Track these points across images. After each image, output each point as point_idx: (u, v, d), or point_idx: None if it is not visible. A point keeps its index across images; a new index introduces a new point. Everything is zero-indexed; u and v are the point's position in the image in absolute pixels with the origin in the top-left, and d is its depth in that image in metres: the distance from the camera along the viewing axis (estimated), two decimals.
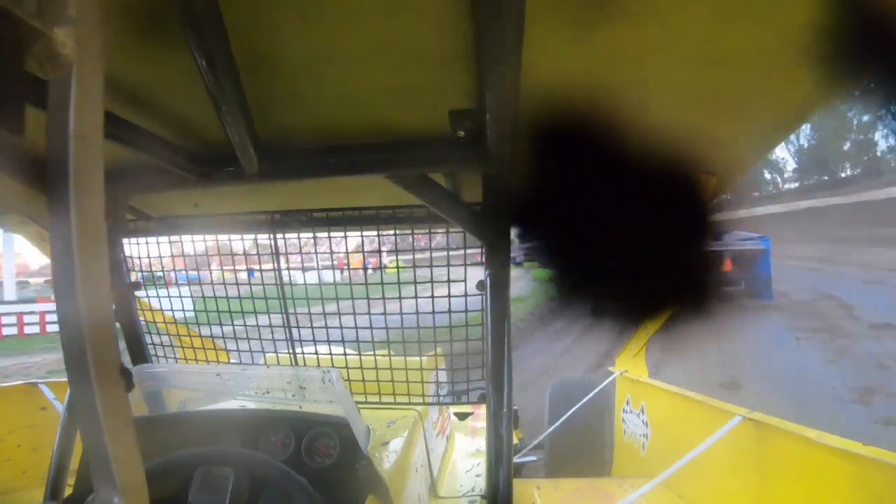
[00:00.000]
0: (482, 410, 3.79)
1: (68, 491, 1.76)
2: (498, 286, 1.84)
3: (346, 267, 2.91)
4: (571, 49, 1.18)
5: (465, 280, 2.39)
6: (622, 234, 1.31)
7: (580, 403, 4.41)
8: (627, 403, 4.20)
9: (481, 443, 3.65)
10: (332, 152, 1.66)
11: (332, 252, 2.47)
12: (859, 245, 24.27)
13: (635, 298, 1.45)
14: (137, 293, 2.55)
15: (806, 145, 48.13)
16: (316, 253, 2.48)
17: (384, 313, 2.48)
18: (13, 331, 17.24)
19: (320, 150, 1.66)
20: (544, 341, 12.80)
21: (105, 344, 0.64)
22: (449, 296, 2.38)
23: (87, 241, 0.62)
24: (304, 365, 2.64)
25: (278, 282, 2.64)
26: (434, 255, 2.43)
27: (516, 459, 4.53)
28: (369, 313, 2.48)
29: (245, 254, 2.61)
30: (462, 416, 4.55)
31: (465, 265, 2.35)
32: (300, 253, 2.55)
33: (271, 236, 2.48)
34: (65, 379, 0.65)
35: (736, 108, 1.46)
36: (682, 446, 2.90)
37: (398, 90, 1.39)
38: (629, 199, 1.30)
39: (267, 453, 1.81)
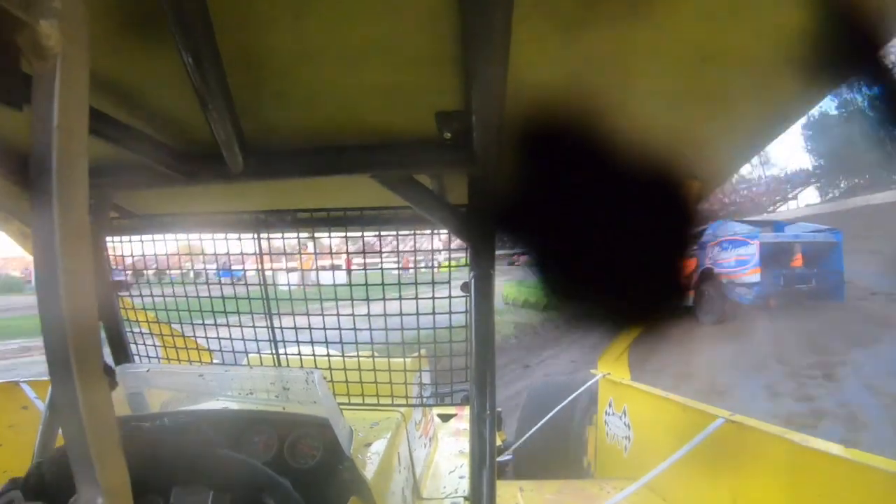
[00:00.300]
0: (466, 412, 3.80)
1: None
2: (482, 288, 1.84)
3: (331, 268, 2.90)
4: (558, 51, 1.18)
5: (448, 282, 2.39)
6: (607, 236, 1.32)
7: (559, 406, 4.43)
8: (610, 405, 4.22)
9: (464, 444, 3.66)
10: (317, 152, 1.66)
11: (316, 252, 2.46)
12: None
13: (616, 302, 1.46)
14: (120, 292, 2.53)
15: None
16: (300, 253, 2.48)
17: (368, 315, 2.47)
18: None
19: (306, 150, 1.66)
20: None
21: (88, 342, 0.64)
22: (433, 297, 2.38)
23: (70, 238, 0.61)
24: (288, 366, 2.64)
25: (262, 282, 2.63)
26: (419, 256, 2.43)
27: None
28: (353, 315, 2.47)
29: (228, 253, 2.59)
30: (445, 418, 4.56)
31: (450, 267, 2.35)
32: (284, 253, 2.54)
33: (255, 236, 2.47)
34: (47, 378, 0.64)
35: (721, 111, 1.47)
36: (665, 448, 2.92)
37: (385, 91, 1.38)
38: (614, 202, 1.30)
39: (249, 454, 1.80)
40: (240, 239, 2.52)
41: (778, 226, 14.82)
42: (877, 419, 7.10)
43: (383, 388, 2.59)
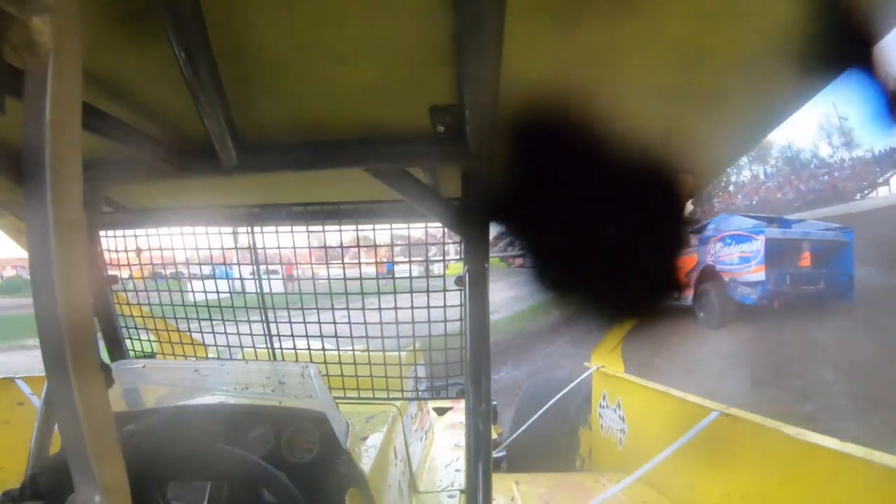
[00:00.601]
0: (461, 405, 3.81)
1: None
2: (476, 281, 1.84)
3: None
4: (552, 46, 1.18)
5: (443, 275, 2.39)
6: (599, 230, 1.32)
7: (553, 399, 4.44)
8: (604, 398, 4.23)
9: (460, 437, 3.66)
10: (311, 146, 1.66)
11: (310, 247, 2.46)
12: None
13: (609, 295, 1.46)
14: (115, 287, 2.52)
15: None
16: (294, 247, 2.47)
17: (362, 308, 2.47)
18: None
19: (299, 143, 1.65)
20: None
21: (84, 338, 0.64)
22: (427, 291, 2.39)
23: (64, 233, 0.61)
24: (283, 360, 2.64)
25: (256, 276, 2.63)
26: (413, 249, 2.44)
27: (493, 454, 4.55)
28: (348, 308, 2.47)
29: (222, 248, 2.59)
30: (441, 412, 4.56)
31: (444, 260, 2.36)
32: (278, 248, 2.53)
33: (249, 230, 2.47)
34: (42, 374, 0.64)
35: (714, 107, 1.47)
36: (659, 441, 2.93)
37: (379, 85, 1.38)
38: (607, 196, 1.31)
39: (246, 449, 1.80)
40: (234, 233, 2.51)
41: (785, 222, 14.50)
42: None
43: (379, 381, 2.60)
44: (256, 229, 2.48)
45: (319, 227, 2.40)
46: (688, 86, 1.35)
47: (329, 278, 2.73)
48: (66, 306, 0.61)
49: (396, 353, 2.67)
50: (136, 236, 2.53)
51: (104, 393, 0.67)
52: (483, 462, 1.82)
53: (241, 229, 2.49)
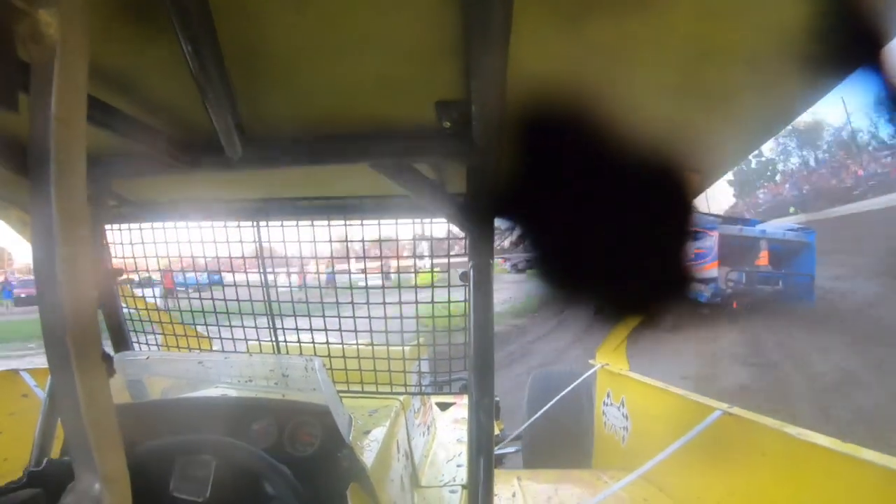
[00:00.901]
0: (464, 401, 3.82)
1: None
2: (481, 277, 1.84)
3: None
4: (559, 42, 1.18)
5: (448, 270, 2.39)
6: (605, 227, 1.32)
7: (560, 395, 4.44)
8: (608, 396, 4.23)
9: (463, 433, 3.67)
10: (316, 141, 1.66)
11: (315, 241, 2.46)
12: None
13: (616, 292, 1.46)
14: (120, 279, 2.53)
15: None
16: (299, 241, 2.48)
17: (367, 303, 2.48)
18: None
19: (305, 138, 1.65)
20: None
21: (87, 330, 0.64)
22: (432, 285, 2.39)
23: (69, 226, 0.61)
24: (287, 353, 2.65)
25: (261, 270, 2.63)
26: (418, 244, 2.44)
27: (497, 451, 4.56)
28: (352, 302, 2.48)
29: (227, 241, 2.59)
30: (444, 406, 4.57)
31: (449, 255, 2.36)
32: (283, 241, 2.54)
33: (255, 224, 2.48)
34: (46, 366, 0.64)
35: (721, 105, 1.47)
36: (663, 439, 2.93)
37: (385, 80, 1.38)
38: (613, 193, 1.30)
39: (249, 441, 1.81)
40: (238, 226, 2.52)
41: (749, 222, 14.47)
42: None
43: (382, 375, 2.60)
44: (262, 223, 2.49)
45: (325, 222, 2.40)
46: (695, 83, 1.35)
47: (333, 272, 2.74)
48: (69, 299, 0.61)
49: (400, 348, 2.68)
50: (140, 229, 2.53)
51: (106, 384, 0.67)
52: (485, 457, 1.82)
53: (246, 223, 2.50)
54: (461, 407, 4.45)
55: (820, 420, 7.28)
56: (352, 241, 2.47)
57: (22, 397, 3.16)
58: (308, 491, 1.66)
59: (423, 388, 3.39)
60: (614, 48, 1.19)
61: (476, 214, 1.82)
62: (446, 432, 3.96)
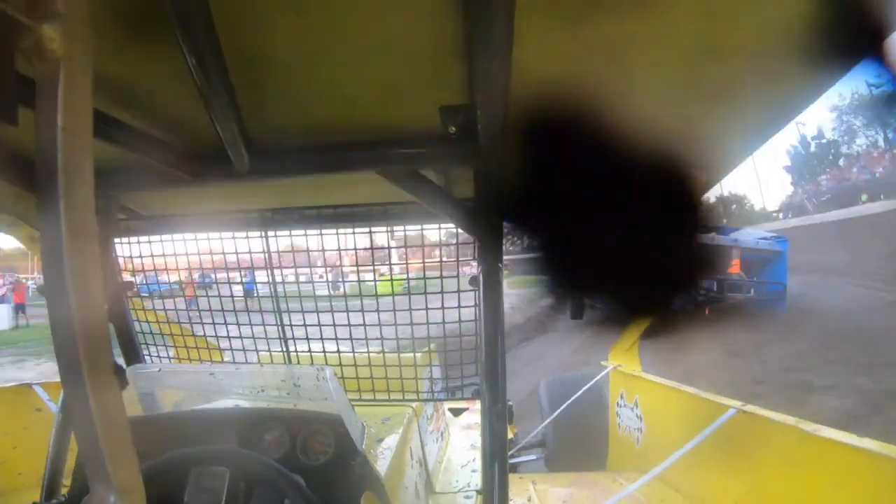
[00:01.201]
0: (477, 406, 3.81)
1: (64, 492, 1.76)
2: (491, 282, 1.84)
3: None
4: (562, 44, 1.18)
5: (457, 276, 2.39)
6: (612, 229, 1.31)
7: (573, 397, 4.43)
8: (622, 397, 4.22)
9: (476, 438, 3.67)
10: (323, 150, 1.66)
11: (324, 249, 2.46)
12: None
13: (625, 294, 1.46)
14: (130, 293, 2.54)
15: None
16: (308, 251, 2.48)
17: (377, 310, 2.48)
18: None
19: (312, 147, 1.66)
20: None
21: (98, 344, 0.64)
22: (442, 291, 2.39)
23: (78, 241, 0.61)
24: (298, 363, 2.65)
25: (271, 280, 2.64)
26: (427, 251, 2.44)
27: (514, 459, 4.56)
28: (362, 310, 2.48)
29: (237, 252, 2.60)
30: (457, 412, 4.56)
31: (458, 260, 2.36)
32: (292, 251, 2.54)
33: (263, 234, 2.48)
34: (59, 380, 0.64)
35: (725, 104, 1.47)
36: (677, 439, 2.92)
37: (389, 87, 1.38)
38: (619, 194, 1.30)
39: (262, 452, 1.81)
40: (247, 237, 2.52)
41: (722, 230, 14.46)
42: None
43: (394, 383, 2.60)
44: (270, 233, 2.49)
45: (333, 231, 2.40)
46: (699, 82, 1.35)
47: (343, 280, 2.74)
48: (80, 313, 0.61)
49: (411, 355, 2.67)
50: (150, 242, 2.54)
51: (119, 396, 0.67)
52: (499, 462, 1.82)
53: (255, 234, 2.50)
54: (474, 412, 4.44)
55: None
56: (361, 249, 2.47)
57: (35, 411, 3.18)
58: (321, 500, 1.66)
59: (436, 394, 3.38)
60: (617, 49, 1.19)
61: (484, 219, 1.82)
62: (460, 438, 3.96)
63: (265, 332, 2.66)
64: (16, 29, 0.55)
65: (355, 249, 2.45)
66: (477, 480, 3.04)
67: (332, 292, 2.74)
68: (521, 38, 1.06)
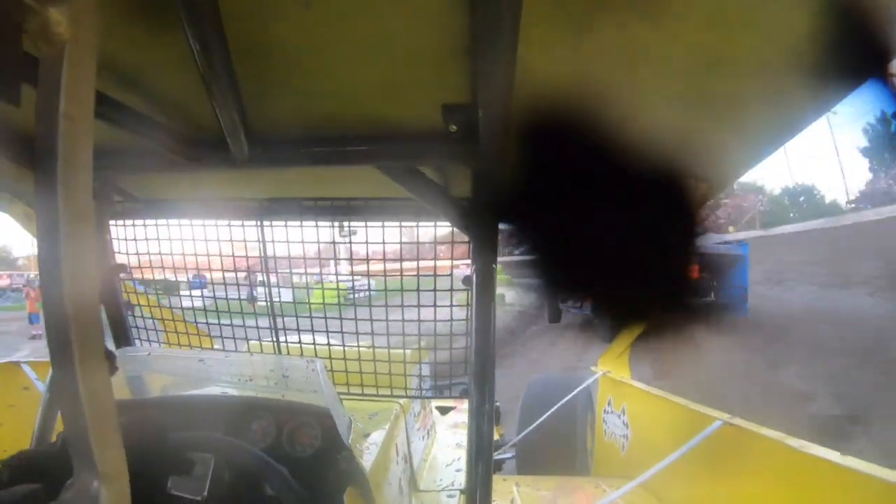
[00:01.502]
0: (464, 405, 3.81)
1: None
2: (484, 282, 1.84)
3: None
4: (566, 49, 1.18)
5: (450, 275, 2.39)
6: (610, 234, 1.31)
7: (560, 402, 4.42)
8: (609, 404, 4.23)
9: (462, 437, 3.67)
10: (322, 142, 1.66)
11: (319, 241, 2.46)
12: None
13: (621, 300, 1.46)
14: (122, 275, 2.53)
15: None
16: (303, 242, 2.47)
17: (369, 305, 2.48)
18: None
19: (311, 139, 1.65)
20: None
21: (89, 325, 0.64)
22: (434, 290, 2.39)
23: (73, 220, 0.61)
24: (288, 354, 2.64)
25: (264, 269, 2.63)
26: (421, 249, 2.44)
27: (495, 456, 4.55)
28: (354, 305, 2.48)
29: (231, 240, 2.59)
30: (444, 411, 4.56)
31: (452, 259, 2.36)
32: (287, 242, 2.53)
33: (259, 224, 2.47)
34: (47, 359, 0.64)
35: (728, 115, 1.47)
36: (662, 448, 2.92)
37: (392, 83, 1.38)
38: (618, 201, 1.30)
39: (248, 441, 1.80)
40: (243, 226, 2.51)
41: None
42: None
43: (383, 378, 2.60)
44: (266, 223, 2.49)
45: (329, 223, 2.40)
46: (703, 92, 1.35)
47: (337, 274, 2.74)
48: (72, 294, 0.61)
49: (401, 351, 2.67)
50: (145, 226, 2.53)
51: (108, 381, 0.67)
52: (484, 462, 1.82)
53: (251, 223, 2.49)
54: (461, 411, 4.44)
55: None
56: (355, 243, 2.47)
57: (23, 390, 3.17)
58: (305, 492, 1.66)
59: (424, 391, 3.38)
60: (622, 55, 1.19)
61: (480, 219, 1.82)
62: (446, 436, 3.96)
63: (256, 321, 2.66)
64: (23, 11, 0.55)
65: (350, 243, 2.45)
66: (461, 479, 3.04)
67: (325, 287, 2.74)
68: (526, 42, 1.06)
